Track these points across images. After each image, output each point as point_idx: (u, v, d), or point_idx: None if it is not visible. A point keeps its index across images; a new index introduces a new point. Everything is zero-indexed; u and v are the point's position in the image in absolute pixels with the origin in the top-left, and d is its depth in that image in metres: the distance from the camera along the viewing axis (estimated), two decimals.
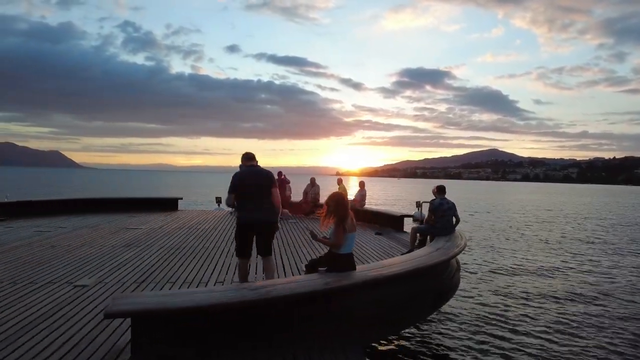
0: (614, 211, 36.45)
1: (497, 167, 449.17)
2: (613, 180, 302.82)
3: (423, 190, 79.13)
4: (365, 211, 11.96)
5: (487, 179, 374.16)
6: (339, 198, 4.25)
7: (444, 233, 7.12)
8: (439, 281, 5.32)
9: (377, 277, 4.14)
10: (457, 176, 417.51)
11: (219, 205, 15.50)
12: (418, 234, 7.67)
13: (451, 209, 7.40)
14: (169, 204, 14.37)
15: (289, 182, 13.33)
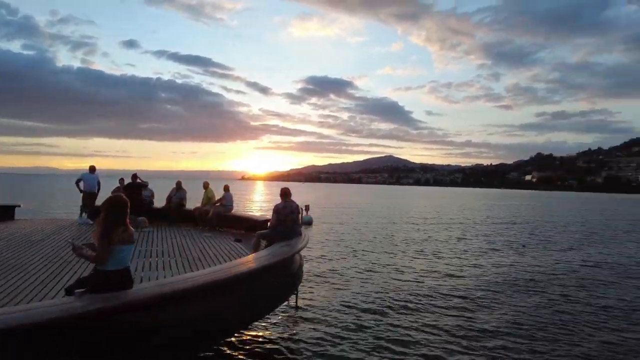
0: (473, 212, 40.78)
1: (392, 172, 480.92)
2: (490, 184, 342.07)
3: (322, 193, 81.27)
4: (229, 216, 11.38)
5: (384, 183, 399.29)
6: (114, 201, 3.61)
7: (287, 236, 6.87)
8: (250, 291, 4.94)
9: (153, 295, 3.60)
10: (357, 180, 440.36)
11: (82, 215, 12.49)
12: (261, 239, 7.32)
13: (293, 212, 7.19)
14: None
15: (146, 185, 12.14)
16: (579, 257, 14.87)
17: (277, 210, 7.16)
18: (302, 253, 7.23)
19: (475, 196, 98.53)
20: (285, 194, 7.38)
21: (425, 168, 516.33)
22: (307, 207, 23.13)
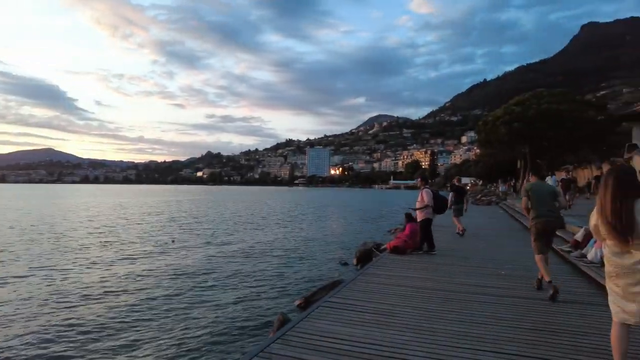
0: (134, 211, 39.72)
1: (53, 168, 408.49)
2: (164, 181, 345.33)
3: None
4: None
5: (41, 181, 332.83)
6: None
7: None
8: None
9: None
10: (0, 179, 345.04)
11: None
12: None
13: None
14: None
15: None
16: (223, 247, 16.28)
17: None
18: None
19: (144, 192, 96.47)
20: None
21: (94, 164, 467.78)
22: None
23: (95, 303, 8.38)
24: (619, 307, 2.91)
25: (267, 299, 8.99)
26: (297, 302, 8.83)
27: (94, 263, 12.43)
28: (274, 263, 12.86)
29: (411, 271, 7.19)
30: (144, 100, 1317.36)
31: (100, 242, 16.84)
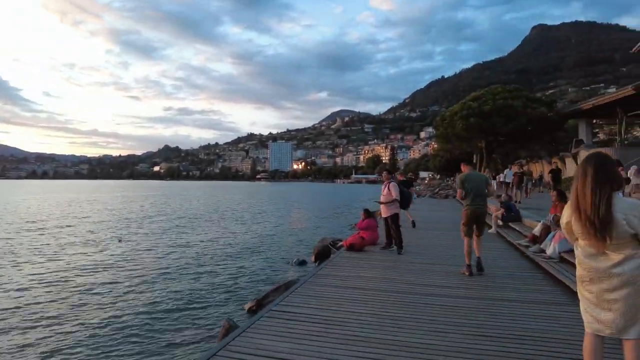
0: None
1: None
2: (119, 176, 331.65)
3: None
4: None
5: None
6: None
7: None
8: None
9: None
10: None
11: None
12: None
13: None
14: None
15: None
16: (178, 243, 15.35)
17: None
18: None
19: (95, 188, 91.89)
20: None
21: (42, 158, 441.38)
22: None
23: (12, 315, 7.42)
24: (592, 317, 2.55)
25: (217, 302, 8.36)
26: (248, 306, 8.29)
27: (20, 270, 11.24)
28: (228, 263, 12.16)
29: (367, 270, 6.77)
30: (97, 91, 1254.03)
31: (35, 245, 15.42)
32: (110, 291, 8.98)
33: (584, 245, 2.54)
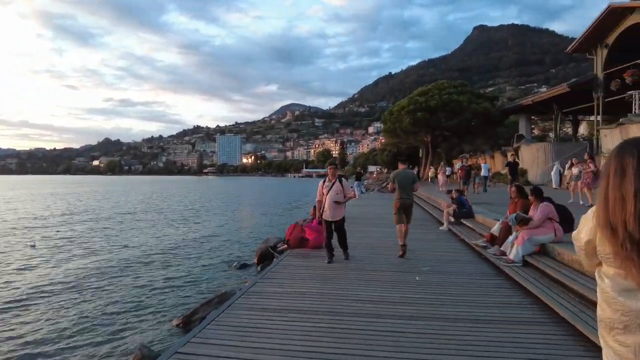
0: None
1: None
2: (54, 171, 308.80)
3: None
4: None
5: None
6: None
7: None
8: None
9: None
10: None
11: None
12: None
13: None
14: None
15: None
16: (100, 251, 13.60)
17: None
18: None
19: (21, 184, 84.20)
20: None
21: None
22: None
23: None
24: None
25: (136, 321, 7.08)
26: (174, 322, 7.11)
27: None
28: (157, 271, 10.79)
29: (310, 282, 5.80)
30: (28, 79, 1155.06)
31: None
32: None
33: (615, 275, 1.67)
